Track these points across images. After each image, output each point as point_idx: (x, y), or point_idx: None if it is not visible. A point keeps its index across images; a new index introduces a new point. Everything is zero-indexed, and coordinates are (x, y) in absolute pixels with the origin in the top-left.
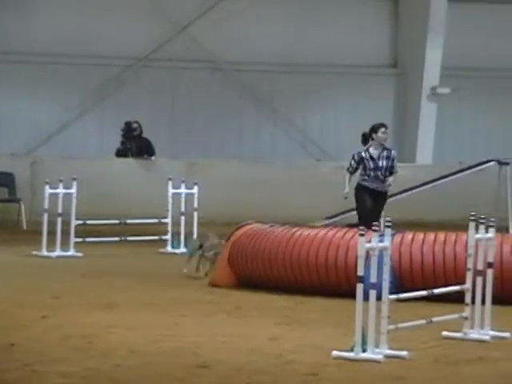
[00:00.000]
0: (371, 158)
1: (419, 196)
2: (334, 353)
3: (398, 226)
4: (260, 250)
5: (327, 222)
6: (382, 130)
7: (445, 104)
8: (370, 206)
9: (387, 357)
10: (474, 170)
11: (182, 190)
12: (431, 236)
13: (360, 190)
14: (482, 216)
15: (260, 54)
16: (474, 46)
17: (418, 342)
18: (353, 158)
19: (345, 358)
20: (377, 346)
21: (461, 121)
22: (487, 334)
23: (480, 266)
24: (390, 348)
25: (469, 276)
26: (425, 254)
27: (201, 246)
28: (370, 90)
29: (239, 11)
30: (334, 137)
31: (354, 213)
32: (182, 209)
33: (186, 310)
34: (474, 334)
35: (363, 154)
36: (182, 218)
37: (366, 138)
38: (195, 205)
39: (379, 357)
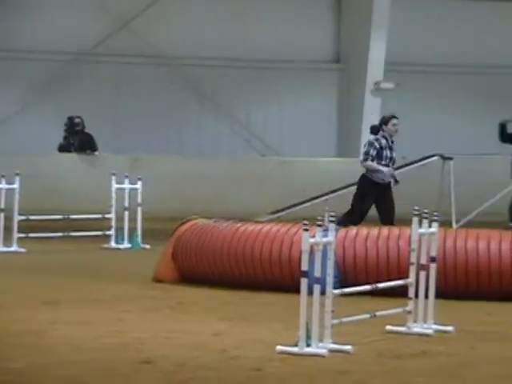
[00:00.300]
0: (385, 147)
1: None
2: (278, 348)
3: None
4: (204, 246)
5: (271, 216)
6: (394, 121)
7: (388, 99)
8: (369, 207)
9: (331, 351)
10: (417, 164)
11: (126, 185)
12: (375, 231)
13: (371, 185)
14: (426, 211)
15: (204, 49)
16: (417, 41)
17: (362, 336)
18: (371, 145)
19: (289, 353)
20: (321, 341)
21: (404, 115)
22: (430, 327)
23: (423, 261)
24: (334, 342)
25: (412, 270)
26: (368, 248)
27: None
28: (313, 85)
29: (183, 6)
30: (278, 132)
31: (298, 208)
32: (126, 204)
33: (129, 306)
34: (418, 328)
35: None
36: (126, 213)
37: (374, 130)
38: (139, 200)
39: (323, 351)
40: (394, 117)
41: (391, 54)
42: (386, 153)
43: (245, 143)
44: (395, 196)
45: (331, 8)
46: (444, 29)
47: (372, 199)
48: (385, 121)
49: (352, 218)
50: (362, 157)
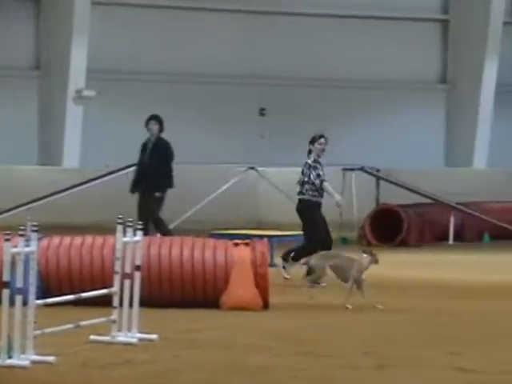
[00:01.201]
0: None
1: (67, 199)
2: None
3: (46, 230)
4: None
5: None
6: (321, 140)
7: (90, 107)
8: (324, 227)
9: (34, 362)
10: (120, 173)
11: None
12: (79, 240)
13: (315, 207)
14: (130, 219)
15: None
16: (118, 49)
17: (66, 347)
18: (319, 166)
19: None
20: (23, 352)
21: (107, 124)
22: (135, 336)
23: (128, 269)
24: (37, 353)
25: (117, 279)
26: (72, 257)
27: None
28: (13, 92)
29: None
30: None
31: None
32: None
33: None
34: (122, 337)
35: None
36: None
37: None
38: None
39: (25, 363)
40: (321, 136)
41: (93, 61)
42: (323, 174)
43: None
44: (99, 204)
45: (31, 12)
46: (144, 36)
47: (320, 218)
48: (313, 140)
49: (313, 246)
50: (316, 180)
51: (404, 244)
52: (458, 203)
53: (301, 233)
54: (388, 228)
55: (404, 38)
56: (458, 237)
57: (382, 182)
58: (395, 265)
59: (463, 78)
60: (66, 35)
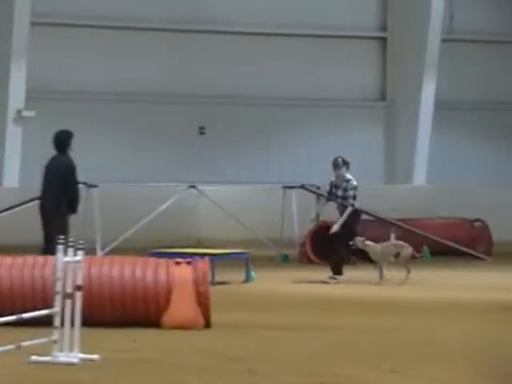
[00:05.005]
0: None
1: (7, 219)
2: None
3: None
4: None
5: None
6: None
7: (30, 127)
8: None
9: None
10: None
11: None
12: (20, 260)
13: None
14: (71, 239)
15: None
16: (57, 68)
17: (7, 367)
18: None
19: None
20: None
21: (47, 144)
22: (76, 356)
23: (69, 289)
24: None
25: (58, 299)
26: (13, 277)
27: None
28: None
29: None
30: None
31: None
32: None
33: None
34: (64, 357)
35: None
36: None
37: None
38: None
39: None
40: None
41: (32, 81)
42: None
43: None
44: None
45: None
46: (83, 56)
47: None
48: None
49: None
50: (351, 200)
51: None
52: (397, 220)
53: (242, 251)
54: (329, 245)
55: (343, 56)
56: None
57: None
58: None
59: (402, 96)
60: (5, 55)
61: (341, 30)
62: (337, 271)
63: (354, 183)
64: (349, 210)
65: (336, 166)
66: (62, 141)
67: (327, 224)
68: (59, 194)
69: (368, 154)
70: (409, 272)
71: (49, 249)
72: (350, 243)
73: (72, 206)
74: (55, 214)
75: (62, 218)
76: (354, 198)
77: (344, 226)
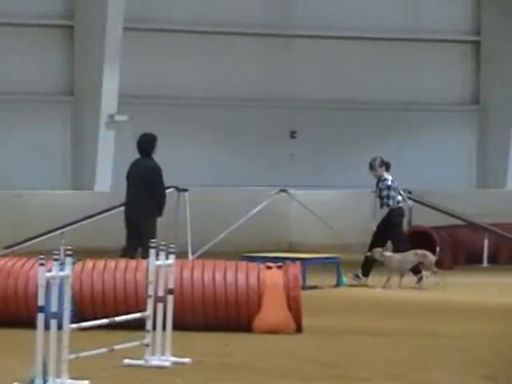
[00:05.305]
0: None
1: (99, 223)
2: None
3: (79, 254)
4: None
5: (6, 251)
6: None
7: (122, 131)
8: None
9: None
10: None
11: None
12: (112, 263)
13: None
14: (162, 243)
15: None
16: (149, 73)
17: (100, 370)
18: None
19: None
20: (58, 376)
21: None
22: (168, 360)
23: (161, 293)
24: (72, 377)
25: (150, 303)
26: (106, 281)
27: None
28: (45, 118)
29: None
30: (12, 165)
31: (34, 241)
32: None
33: None
34: (155, 361)
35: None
36: None
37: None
38: None
39: None
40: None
41: (125, 86)
42: None
43: None
44: None
45: (63, 41)
46: (175, 61)
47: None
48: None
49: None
50: (388, 200)
51: (437, 266)
52: (491, 225)
53: (333, 255)
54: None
55: (436, 59)
56: (492, 259)
57: (414, 204)
58: (429, 287)
59: (495, 99)
60: (99, 61)
61: (435, 34)
62: (365, 272)
63: (388, 183)
64: (385, 210)
65: (371, 167)
66: (147, 144)
67: (418, 228)
68: (147, 197)
69: (460, 158)
70: (440, 276)
71: (144, 253)
72: (368, 254)
73: (159, 209)
74: (145, 218)
75: (152, 222)
76: (388, 197)
77: (384, 226)
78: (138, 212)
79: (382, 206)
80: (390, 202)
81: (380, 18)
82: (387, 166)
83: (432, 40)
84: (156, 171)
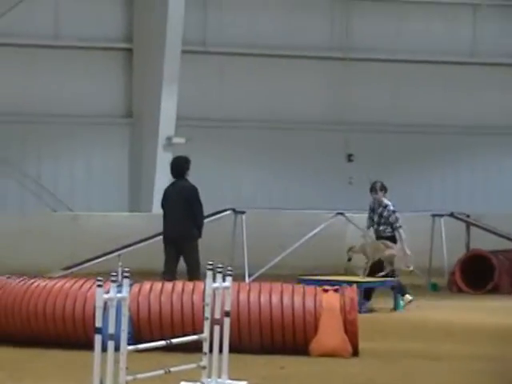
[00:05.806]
0: None
1: (156, 245)
2: None
3: (136, 276)
4: None
5: (64, 272)
6: None
7: (179, 153)
8: None
9: None
10: (210, 218)
11: None
12: (169, 285)
13: None
14: (219, 265)
15: None
16: (207, 96)
17: None
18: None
19: None
20: None
21: (196, 170)
22: (225, 382)
23: (217, 315)
24: None
25: (206, 325)
26: (163, 303)
27: None
28: (105, 140)
29: None
30: (69, 186)
31: (92, 263)
32: None
33: None
34: (212, 383)
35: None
36: None
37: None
38: None
39: None
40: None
41: (182, 108)
42: None
43: (35, 198)
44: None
45: (122, 63)
46: (232, 84)
47: None
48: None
49: None
50: (397, 223)
51: (496, 291)
52: None
53: (390, 278)
54: (479, 274)
55: (491, 82)
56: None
57: (471, 228)
58: (487, 312)
59: None
60: (157, 83)
61: (493, 57)
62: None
63: (391, 208)
64: (401, 232)
65: (372, 190)
66: (182, 166)
67: (477, 252)
68: (187, 218)
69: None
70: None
71: (193, 276)
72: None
73: (199, 230)
74: (187, 240)
75: (195, 244)
76: (397, 220)
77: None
78: (179, 233)
79: (377, 231)
80: (398, 225)
81: (443, 40)
82: (385, 191)
83: (489, 63)
84: (193, 191)
